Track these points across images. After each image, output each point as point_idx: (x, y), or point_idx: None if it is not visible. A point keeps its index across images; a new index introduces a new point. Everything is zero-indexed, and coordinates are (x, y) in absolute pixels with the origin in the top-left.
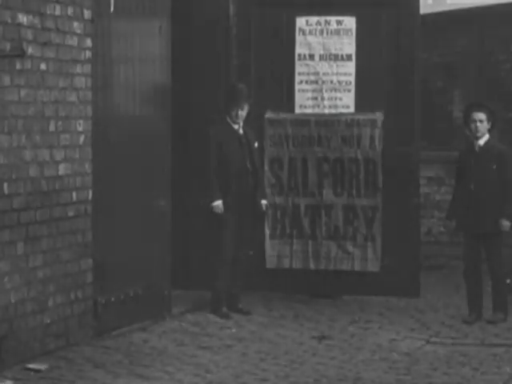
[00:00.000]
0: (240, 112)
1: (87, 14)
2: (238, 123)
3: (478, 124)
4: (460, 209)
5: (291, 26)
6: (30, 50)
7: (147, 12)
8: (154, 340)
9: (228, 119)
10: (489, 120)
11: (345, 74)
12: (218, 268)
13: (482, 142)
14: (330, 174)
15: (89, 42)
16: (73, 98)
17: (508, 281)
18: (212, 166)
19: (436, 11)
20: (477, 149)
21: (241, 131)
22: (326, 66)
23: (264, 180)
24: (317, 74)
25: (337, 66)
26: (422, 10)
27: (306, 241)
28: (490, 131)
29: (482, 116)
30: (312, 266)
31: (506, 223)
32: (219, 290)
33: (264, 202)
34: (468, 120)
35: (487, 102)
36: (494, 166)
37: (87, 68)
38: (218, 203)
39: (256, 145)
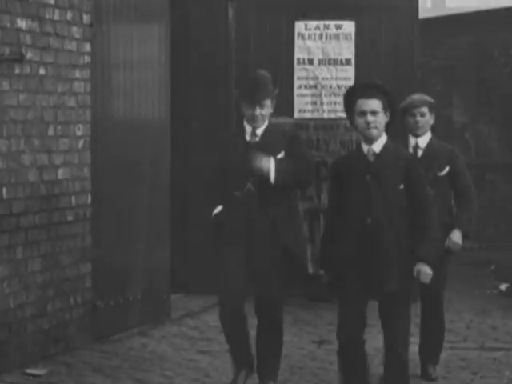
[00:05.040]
0: (258, 111)
1: (86, 18)
2: (255, 127)
3: (370, 118)
4: (341, 253)
5: (290, 31)
6: (28, 55)
7: (146, 16)
8: (153, 344)
9: (244, 122)
10: (386, 110)
11: (344, 79)
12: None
13: (376, 146)
14: (329, 179)
15: (88, 47)
16: (72, 102)
17: (506, 286)
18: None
19: (435, 15)
20: (370, 158)
21: (257, 138)
22: (325, 70)
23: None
24: (316, 78)
25: (336, 70)
26: (421, 14)
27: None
28: (387, 128)
29: (375, 105)
30: (310, 270)
31: (425, 270)
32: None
33: None
34: (351, 112)
35: (378, 80)
36: (401, 186)
37: (86, 73)
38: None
39: (280, 155)
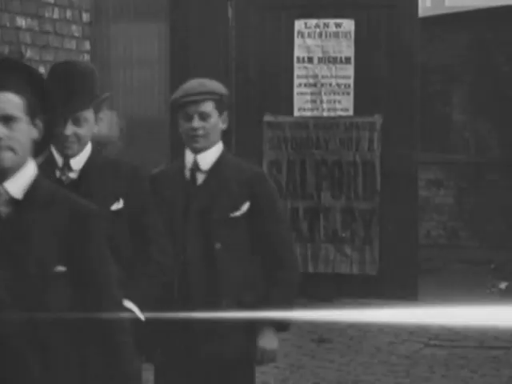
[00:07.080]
0: (71, 129)
1: (85, 17)
2: (68, 156)
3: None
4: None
5: (290, 29)
6: (28, 53)
7: (146, 15)
8: None
9: (53, 148)
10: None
11: (343, 77)
12: None
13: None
14: (329, 177)
15: (87, 45)
16: None
17: (505, 284)
18: None
19: (434, 14)
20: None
21: (72, 175)
22: (325, 68)
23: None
24: (316, 76)
25: (335, 68)
26: (421, 13)
27: (305, 244)
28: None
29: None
30: (311, 269)
31: None
32: None
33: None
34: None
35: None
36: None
37: None
38: None
39: (117, 206)
